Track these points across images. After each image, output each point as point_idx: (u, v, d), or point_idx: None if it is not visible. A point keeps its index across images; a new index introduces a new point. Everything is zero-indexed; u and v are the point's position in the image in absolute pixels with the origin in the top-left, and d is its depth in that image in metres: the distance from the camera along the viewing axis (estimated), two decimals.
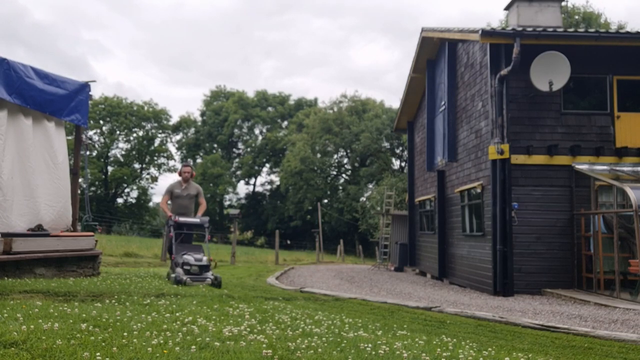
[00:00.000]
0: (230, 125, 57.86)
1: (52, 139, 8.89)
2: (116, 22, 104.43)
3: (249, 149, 59.23)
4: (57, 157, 8.95)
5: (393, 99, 79.23)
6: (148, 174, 58.14)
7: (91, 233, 9.50)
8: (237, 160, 60.16)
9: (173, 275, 8.02)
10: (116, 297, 5.80)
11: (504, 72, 10.53)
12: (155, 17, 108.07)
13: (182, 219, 8.64)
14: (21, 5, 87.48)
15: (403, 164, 46.59)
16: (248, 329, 4.08)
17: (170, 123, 58.59)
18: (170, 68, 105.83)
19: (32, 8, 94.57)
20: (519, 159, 10.68)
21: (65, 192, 9.08)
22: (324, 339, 3.93)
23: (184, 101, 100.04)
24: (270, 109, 60.43)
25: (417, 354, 3.53)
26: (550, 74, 10.35)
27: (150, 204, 59.38)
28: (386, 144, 46.65)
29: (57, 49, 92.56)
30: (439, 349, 3.82)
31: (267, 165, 59.70)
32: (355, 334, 4.30)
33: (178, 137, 61.39)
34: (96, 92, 62.86)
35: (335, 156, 50.57)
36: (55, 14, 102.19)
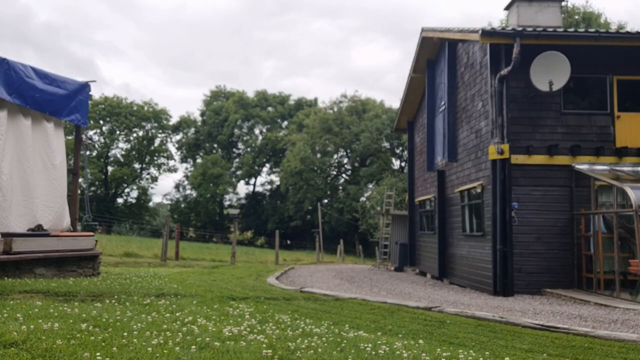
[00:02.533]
0: (230, 125, 57.86)
1: (51, 139, 8.89)
2: (119, 23, 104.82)
3: (249, 149, 59.24)
4: (55, 158, 8.95)
5: (393, 100, 79.40)
6: (148, 174, 58.17)
7: (91, 233, 9.51)
8: (237, 160, 60.17)
9: None
10: (116, 297, 5.80)
11: (504, 72, 10.53)
12: (157, 19, 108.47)
13: None
14: (26, 5, 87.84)
15: (403, 164, 46.60)
16: (248, 329, 4.08)
17: (170, 123, 58.61)
18: (172, 69, 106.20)
19: (37, 9, 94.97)
20: (519, 159, 10.68)
21: (63, 193, 9.08)
22: (323, 338, 3.93)
23: (186, 102, 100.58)
24: (270, 109, 60.43)
25: (417, 354, 3.52)
26: (550, 74, 10.34)
27: (150, 203, 59.44)
28: (386, 144, 46.66)
29: (64, 50, 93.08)
30: (439, 349, 3.82)
31: (267, 165, 59.72)
32: (356, 333, 4.30)
33: (178, 137, 61.45)
34: (103, 94, 62.79)
35: (335, 156, 50.56)
36: (59, 15, 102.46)
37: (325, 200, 49.03)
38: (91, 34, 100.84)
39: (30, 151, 8.35)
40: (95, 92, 62.60)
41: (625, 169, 10.45)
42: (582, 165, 10.57)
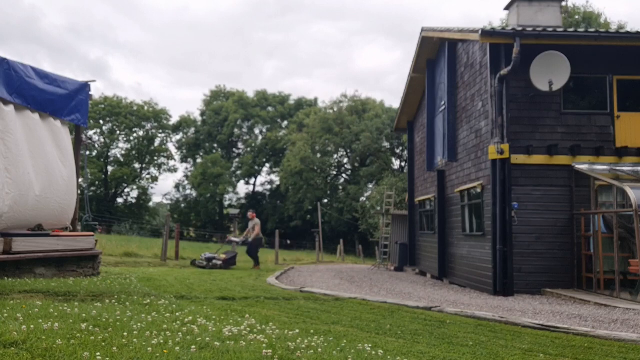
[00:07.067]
0: (230, 125, 57.84)
1: (61, 136, 8.99)
2: (122, 25, 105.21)
3: (249, 149, 59.22)
4: (65, 154, 9.05)
5: (394, 100, 79.42)
6: (148, 173, 58.16)
7: (91, 233, 9.51)
8: (237, 160, 60.16)
9: None
10: (116, 297, 5.81)
11: (504, 72, 10.52)
12: (160, 20, 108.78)
13: None
14: (32, 5, 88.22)
15: (403, 164, 46.59)
16: (248, 329, 4.08)
17: (170, 123, 58.61)
18: (176, 70, 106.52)
19: (44, 9, 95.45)
20: (519, 158, 10.68)
21: (72, 189, 9.16)
22: (323, 338, 3.93)
23: (189, 102, 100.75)
24: (270, 108, 60.41)
25: (416, 354, 3.53)
26: (550, 74, 10.34)
27: (151, 203, 59.40)
28: (386, 144, 46.65)
29: (74, 52, 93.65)
30: (438, 349, 3.82)
31: (267, 165, 59.72)
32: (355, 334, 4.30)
33: (178, 137, 61.44)
34: (103, 94, 62.75)
35: (335, 156, 50.55)
36: (65, 17, 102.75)
37: (325, 200, 49.02)
38: (98, 35, 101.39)
39: (42, 148, 8.40)
40: (107, 93, 63.01)
41: (625, 169, 10.45)
42: (582, 165, 10.57)
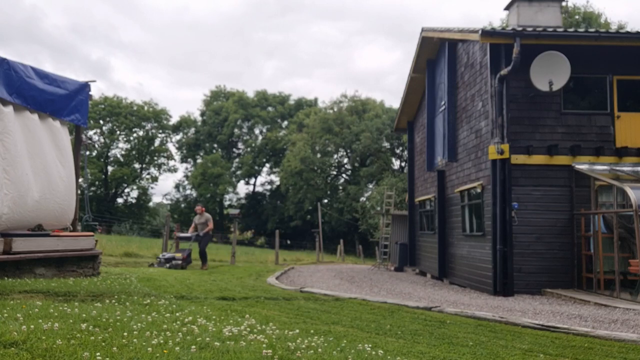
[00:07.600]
0: (230, 125, 57.83)
1: (60, 137, 8.98)
2: (123, 25, 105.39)
3: (249, 149, 59.20)
4: (65, 155, 9.05)
5: (394, 100, 79.42)
6: (148, 173, 58.15)
7: (91, 233, 9.52)
8: (237, 160, 60.13)
9: None
10: (116, 297, 5.81)
11: (504, 72, 10.53)
12: (160, 21, 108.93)
13: None
14: (33, 5, 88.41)
15: (403, 164, 46.59)
16: (248, 329, 4.08)
17: (170, 123, 58.60)
18: (176, 70, 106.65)
19: (45, 9, 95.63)
20: (519, 159, 10.68)
21: (71, 189, 9.17)
22: (323, 338, 3.93)
23: (189, 102, 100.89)
24: (270, 108, 60.40)
25: (416, 354, 3.53)
26: (550, 74, 10.34)
27: (151, 203, 59.37)
28: (386, 144, 46.64)
29: (77, 52, 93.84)
30: (438, 349, 3.82)
31: (267, 165, 59.71)
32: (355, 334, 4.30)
33: (178, 137, 61.43)
34: (103, 94, 62.81)
35: (335, 156, 50.54)
36: (65, 17, 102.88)
37: (325, 200, 49.01)
38: (99, 36, 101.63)
39: (40, 148, 8.40)
40: (109, 94, 63.19)
41: (625, 169, 10.45)
42: (582, 165, 10.57)
